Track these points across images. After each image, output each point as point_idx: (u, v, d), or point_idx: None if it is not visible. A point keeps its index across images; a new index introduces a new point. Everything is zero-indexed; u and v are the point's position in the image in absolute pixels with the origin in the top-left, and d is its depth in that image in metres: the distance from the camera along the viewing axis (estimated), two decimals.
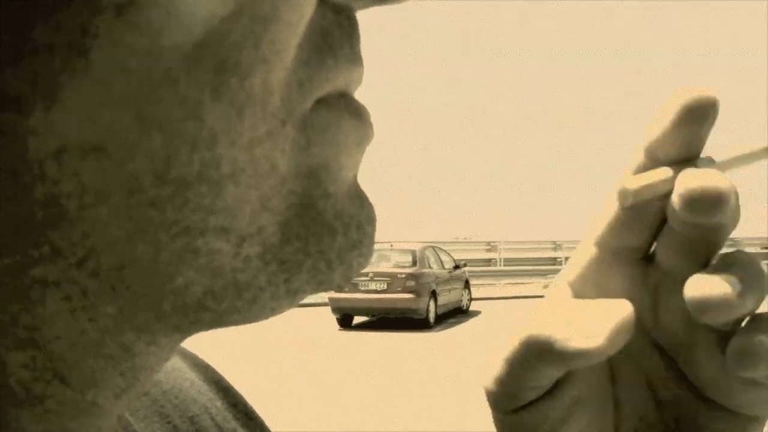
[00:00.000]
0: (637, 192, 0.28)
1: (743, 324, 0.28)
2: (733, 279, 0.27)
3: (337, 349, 9.87)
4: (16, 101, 0.16)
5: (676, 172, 0.28)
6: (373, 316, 12.42)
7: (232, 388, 0.40)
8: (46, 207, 0.17)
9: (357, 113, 0.22)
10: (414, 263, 12.05)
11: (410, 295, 11.62)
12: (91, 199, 0.17)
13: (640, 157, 0.29)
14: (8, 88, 0.16)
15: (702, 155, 0.29)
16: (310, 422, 5.91)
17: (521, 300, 15.81)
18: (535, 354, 0.29)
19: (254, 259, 0.20)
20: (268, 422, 0.40)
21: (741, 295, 0.27)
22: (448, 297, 13.03)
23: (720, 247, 0.29)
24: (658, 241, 0.30)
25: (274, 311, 0.21)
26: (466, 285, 14.25)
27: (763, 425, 0.31)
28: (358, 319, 12.60)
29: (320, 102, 0.21)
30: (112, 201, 0.17)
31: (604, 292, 0.31)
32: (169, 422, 0.34)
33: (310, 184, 0.21)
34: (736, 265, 0.28)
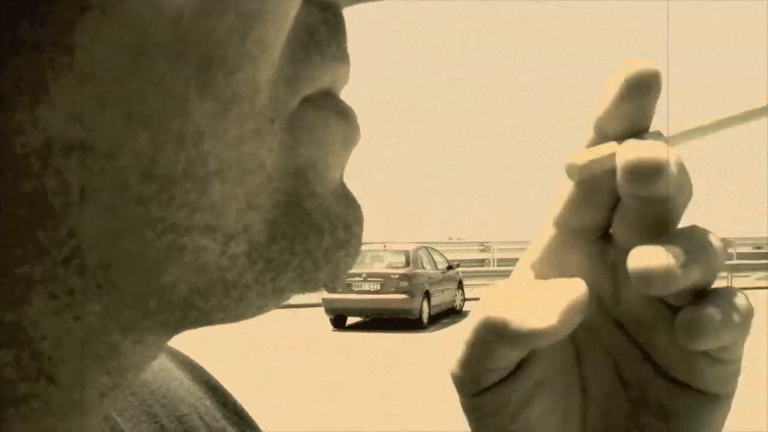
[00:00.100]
0: (583, 167, 0.28)
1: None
2: (677, 250, 0.27)
3: (331, 350, 9.86)
4: (1, 98, 0.16)
5: None
6: (366, 316, 12.41)
7: (222, 387, 0.40)
8: (31, 204, 0.17)
9: (344, 114, 0.22)
10: (407, 264, 12.06)
11: (403, 296, 11.62)
12: (76, 197, 0.17)
13: (590, 134, 0.30)
14: None
15: (651, 129, 0.29)
16: (302, 422, 5.91)
17: None
18: (493, 336, 0.29)
19: (241, 257, 0.20)
20: (261, 423, 0.40)
21: (684, 265, 0.27)
22: (441, 297, 13.02)
23: (675, 223, 0.29)
24: (614, 219, 0.30)
25: (260, 310, 0.21)
26: (460, 285, 14.23)
27: (730, 403, 0.31)
28: (351, 320, 12.58)
29: (307, 101, 0.21)
30: (98, 198, 0.17)
31: (564, 271, 0.31)
32: (156, 422, 0.34)
33: (297, 184, 0.21)
34: (683, 237, 0.28)
